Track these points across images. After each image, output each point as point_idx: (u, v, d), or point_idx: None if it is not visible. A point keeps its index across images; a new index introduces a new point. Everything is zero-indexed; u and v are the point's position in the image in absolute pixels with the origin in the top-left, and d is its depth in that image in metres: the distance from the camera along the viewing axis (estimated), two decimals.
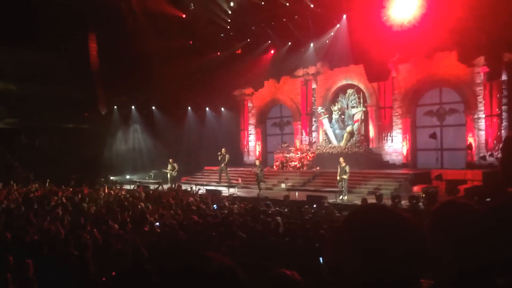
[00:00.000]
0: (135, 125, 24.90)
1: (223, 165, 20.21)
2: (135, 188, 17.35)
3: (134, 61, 22.30)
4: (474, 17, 15.16)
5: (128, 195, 13.74)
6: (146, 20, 23.28)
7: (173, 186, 19.05)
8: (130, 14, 23.41)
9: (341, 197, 15.07)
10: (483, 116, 17.55)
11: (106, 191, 14.98)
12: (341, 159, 15.63)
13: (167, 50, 23.33)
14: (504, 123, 16.89)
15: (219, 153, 20.30)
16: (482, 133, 17.58)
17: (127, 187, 18.03)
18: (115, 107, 24.77)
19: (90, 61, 23.01)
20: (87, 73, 22.87)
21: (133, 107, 25.22)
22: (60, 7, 19.73)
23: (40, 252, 5.13)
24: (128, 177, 21.82)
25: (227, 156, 20.24)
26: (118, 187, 17.14)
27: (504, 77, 16.91)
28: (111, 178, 21.35)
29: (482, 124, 17.61)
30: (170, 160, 20.28)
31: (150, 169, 22.42)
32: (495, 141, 16.89)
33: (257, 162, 18.47)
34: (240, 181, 20.42)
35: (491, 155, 16.71)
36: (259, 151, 25.42)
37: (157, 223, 7.90)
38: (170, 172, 20.08)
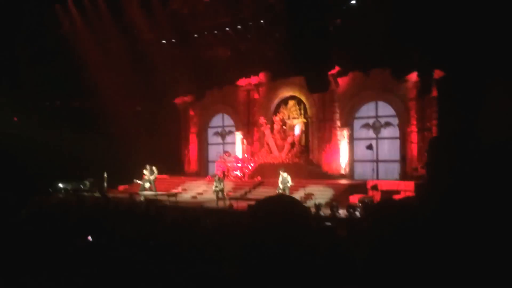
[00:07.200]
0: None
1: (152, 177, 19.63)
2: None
3: (71, 66, 21.45)
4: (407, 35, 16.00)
5: None
6: (85, 26, 22.56)
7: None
8: (67, 18, 22.61)
9: None
10: (416, 130, 18.37)
11: None
12: (281, 170, 16.72)
13: (106, 55, 22.66)
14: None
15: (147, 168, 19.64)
16: (415, 146, 18.39)
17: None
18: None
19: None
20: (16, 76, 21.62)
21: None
22: None
23: None
24: (60, 185, 20.54)
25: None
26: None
27: (435, 92, 17.78)
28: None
29: (414, 137, 18.42)
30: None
31: (85, 178, 21.36)
32: (426, 154, 17.69)
33: (217, 178, 18.02)
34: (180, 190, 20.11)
35: (422, 167, 17.48)
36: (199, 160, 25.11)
37: None
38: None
